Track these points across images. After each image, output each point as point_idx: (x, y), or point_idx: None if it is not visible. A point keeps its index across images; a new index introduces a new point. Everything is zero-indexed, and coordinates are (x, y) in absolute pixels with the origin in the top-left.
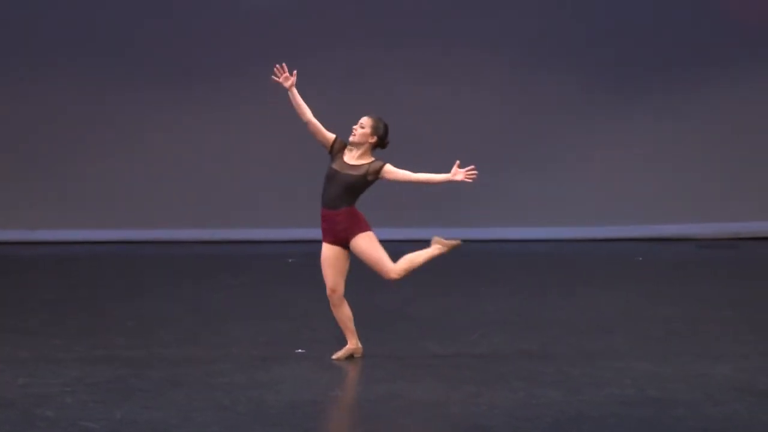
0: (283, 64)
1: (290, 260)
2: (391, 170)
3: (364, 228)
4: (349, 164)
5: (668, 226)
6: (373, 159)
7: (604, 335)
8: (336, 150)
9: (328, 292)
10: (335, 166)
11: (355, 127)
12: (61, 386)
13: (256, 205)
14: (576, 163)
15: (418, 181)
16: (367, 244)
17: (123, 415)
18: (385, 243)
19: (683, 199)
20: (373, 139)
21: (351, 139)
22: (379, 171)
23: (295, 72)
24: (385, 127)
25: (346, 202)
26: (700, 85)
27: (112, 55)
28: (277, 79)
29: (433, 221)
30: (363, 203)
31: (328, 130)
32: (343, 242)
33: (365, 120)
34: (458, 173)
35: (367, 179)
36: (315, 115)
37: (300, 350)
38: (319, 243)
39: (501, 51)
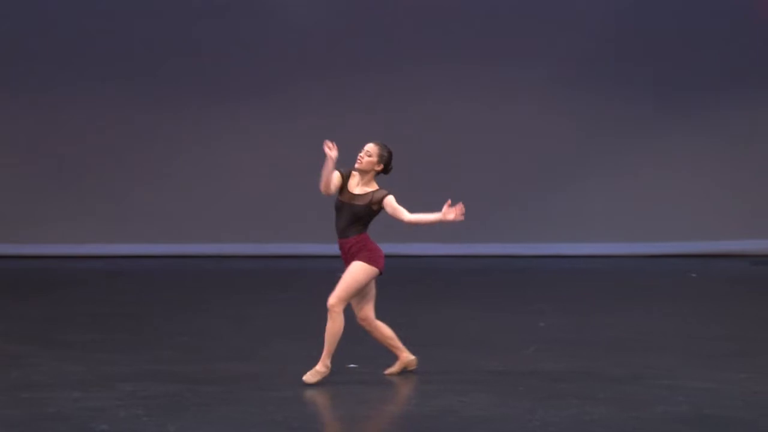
0: (333, 142)
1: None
2: (390, 203)
3: (365, 258)
4: (354, 194)
5: (722, 242)
6: (377, 187)
7: (657, 352)
8: (343, 182)
9: (358, 321)
10: (342, 197)
11: (361, 154)
12: (114, 400)
13: (304, 218)
14: (628, 180)
15: (410, 221)
16: (353, 269)
17: (176, 429)
18: (449, 258)
19: (737, 215)
20: (379, 167)
21: (357, 166)
22: (381, 201)
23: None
24: (390, 153)
25: (355, 230)
26: (753, 102)
27: (160, 72)
28: (328, 151)
29: (485, 238)
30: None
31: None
32: None
33: (371, 147)
34: (449, 212)
35: (372, 209)
36: (362, 132)
37: (352, 365)
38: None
39: (553, 69)
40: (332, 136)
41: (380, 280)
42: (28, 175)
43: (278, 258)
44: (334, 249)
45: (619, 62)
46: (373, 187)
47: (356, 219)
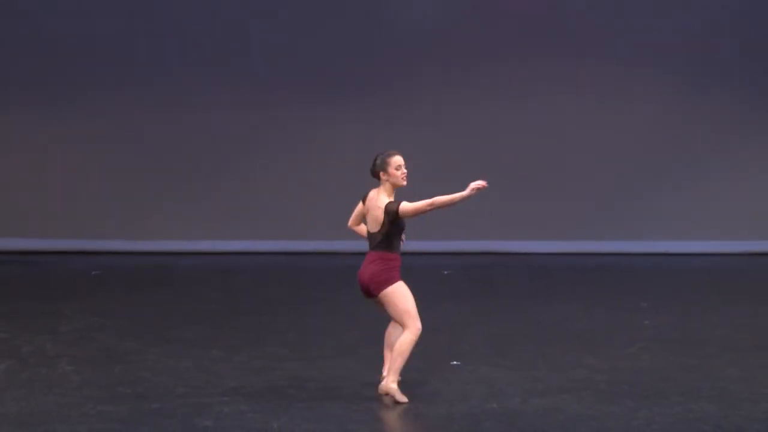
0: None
1: (446, 272)
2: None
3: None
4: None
5: None
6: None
7: (762, 351)
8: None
9: (419, 326)
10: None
11: (405, 171)
12: (219, 396)
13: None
14: (732, 177)
15: (434, 205)
16: None
17: (280, 425)
18: (557, 256)
19: None
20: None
21: (404, 183)
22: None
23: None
24: (374, 160)
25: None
26: None
27: (269, 73)
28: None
29: (593, 235)
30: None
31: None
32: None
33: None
34: (472, 186)
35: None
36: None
37: (455, 362)
38: (478, 256)
39: (658, 67)
40: (438, 132)
41: (489, 276)
42: (144, 173)
43: None
44: (442, 246)
45: (732, 59)
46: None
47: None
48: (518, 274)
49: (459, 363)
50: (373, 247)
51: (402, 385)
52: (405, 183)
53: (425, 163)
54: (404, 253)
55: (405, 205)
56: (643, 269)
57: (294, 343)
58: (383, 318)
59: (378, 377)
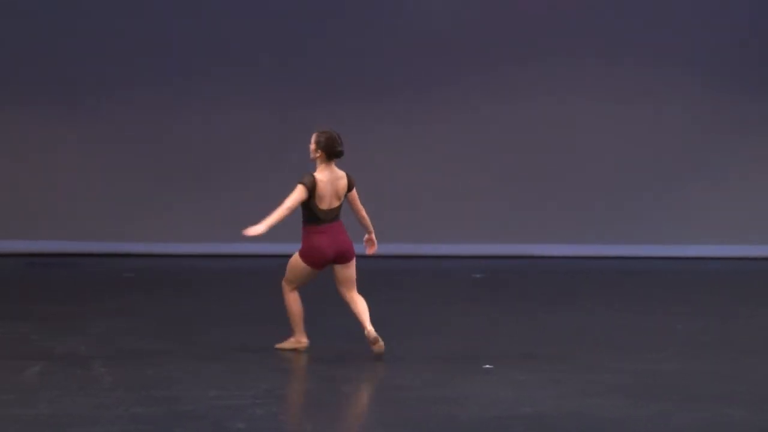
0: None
1: (476, 276)
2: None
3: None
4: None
5: None
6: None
7: None
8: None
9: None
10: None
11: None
12: (251, 399)
13: (451, 216)
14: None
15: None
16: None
17: (313, 428)
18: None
19: None
20: (318, 154)
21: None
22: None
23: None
24: (326, 138)
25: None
26: None
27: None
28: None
29: (614, 238)
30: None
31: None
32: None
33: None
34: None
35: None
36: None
37: (488, 366)
38: (508, 259)
39: (689, 68)
40: (480, 131)
41: (520, 280)
42: (175, 175)
43: (416, 258)
44: (471, 250)
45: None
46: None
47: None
48: (548, 278)
49: (491, 366)
50: (335, 218)
51: (433, 387)
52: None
53: (461, 162)
54: (434, 257)
55: None
56: (674, 273)
57: (327, 347)
58: (407, 320)
59: (365, 333)
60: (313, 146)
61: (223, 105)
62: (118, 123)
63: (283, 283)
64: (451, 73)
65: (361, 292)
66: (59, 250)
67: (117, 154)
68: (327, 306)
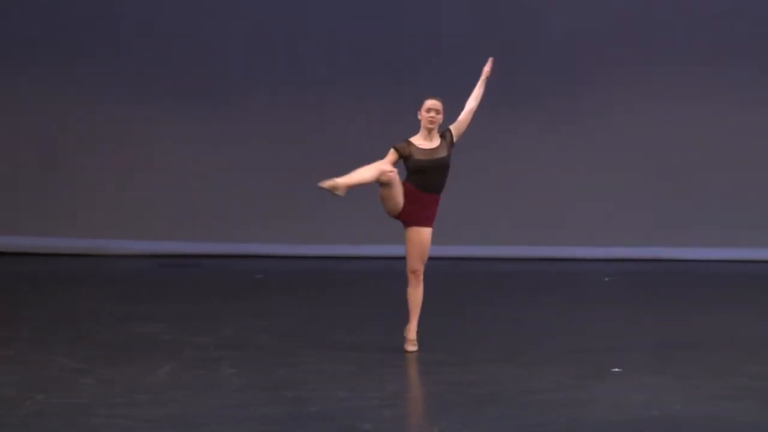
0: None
1: (606, 278)
2: (456, 126)
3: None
4: (432, 149)
5: None
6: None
7: None
8: (409, 152)
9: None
10: (421, 157)
11: (431, 114)
12: (379, 400)
13: (572, 219)
14: None
15: (474, 106)
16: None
17: (440, 430)
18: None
19: None
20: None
21: (430, 126)
22: (452, 136)
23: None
24: None
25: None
26: None
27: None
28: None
29: (751, 241)
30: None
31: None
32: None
33: (438, 105)
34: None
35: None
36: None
37: (616, 369)
38: (639, 262)
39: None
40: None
41: (650, 282)
42: (306, 175)
43: (545, 261)
44: (601, 253)
45: None
46: (438, 138)
47: (447, 172)
48: (680, 281)
49: (620, 370)
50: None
51: (561, 390)
52: (428, 126)
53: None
54: (565, 260)
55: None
56: None
57: (452, 348)
58: (539, 323)
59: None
60: (441, 114)
61: (367, 104)
62: (255, 123)
63: (409, 274)
64: (606, 73)
65: (498, 294)
66: (191, 251)
67: (257, 154)
68: (452, 315)
